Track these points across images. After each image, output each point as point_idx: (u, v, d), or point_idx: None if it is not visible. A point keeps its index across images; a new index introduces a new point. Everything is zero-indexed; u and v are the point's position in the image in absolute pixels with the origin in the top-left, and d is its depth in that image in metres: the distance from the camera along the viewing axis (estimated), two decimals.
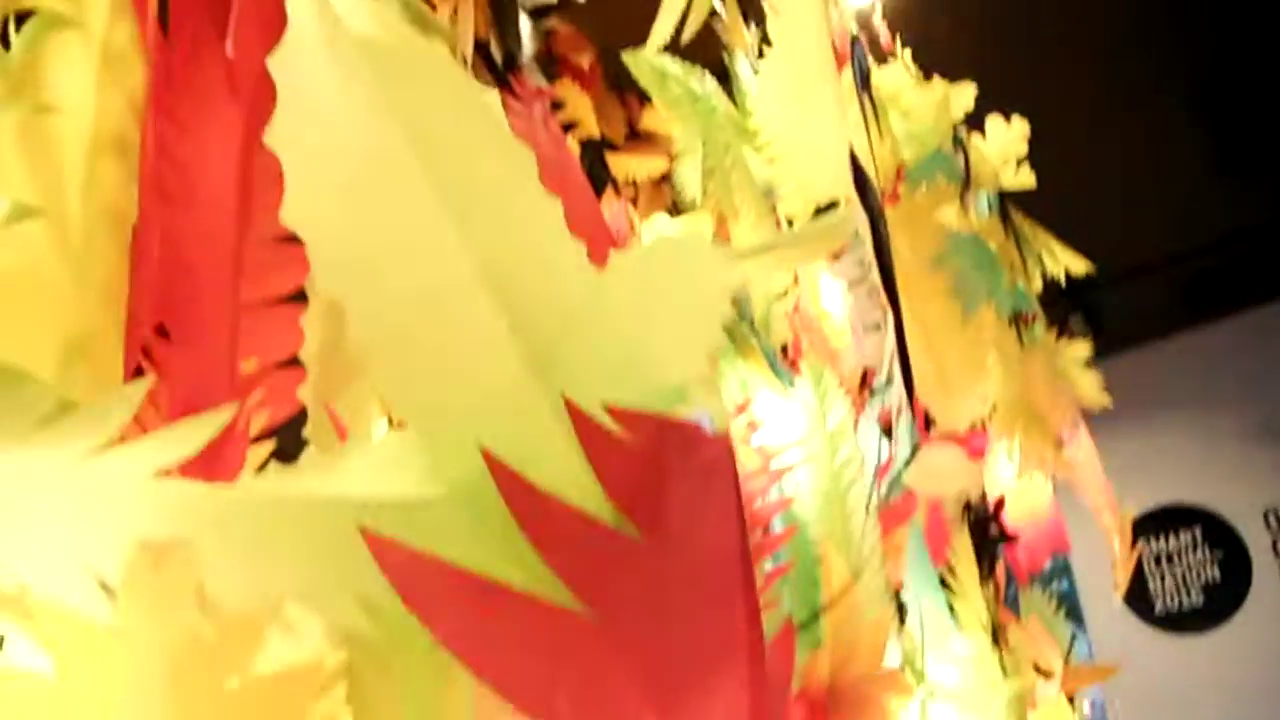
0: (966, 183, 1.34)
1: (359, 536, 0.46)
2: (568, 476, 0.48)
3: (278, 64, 0.47)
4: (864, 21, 1.88)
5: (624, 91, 2.40)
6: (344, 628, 0.50)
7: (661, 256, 0.53)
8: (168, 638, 0.46)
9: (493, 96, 0.49)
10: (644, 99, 2.31)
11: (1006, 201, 1.61)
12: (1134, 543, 1.96)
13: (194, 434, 0.49)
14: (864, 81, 1.14)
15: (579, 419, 0.48)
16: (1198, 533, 4.97)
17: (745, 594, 0.49)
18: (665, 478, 0.49)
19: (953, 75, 1.57)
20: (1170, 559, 5.00)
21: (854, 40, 1.21)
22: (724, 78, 1.95)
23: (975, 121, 1.49)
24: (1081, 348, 1.59)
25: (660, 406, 0.50)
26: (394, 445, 0.49)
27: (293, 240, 0.78)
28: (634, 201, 2.31)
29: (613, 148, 2.31)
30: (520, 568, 0.47)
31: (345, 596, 0.47)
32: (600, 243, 0.93)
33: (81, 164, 0.69)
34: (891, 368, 0.98)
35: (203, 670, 0.47)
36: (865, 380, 1.85)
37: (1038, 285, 1.75)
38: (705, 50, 1.80)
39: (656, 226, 2.05)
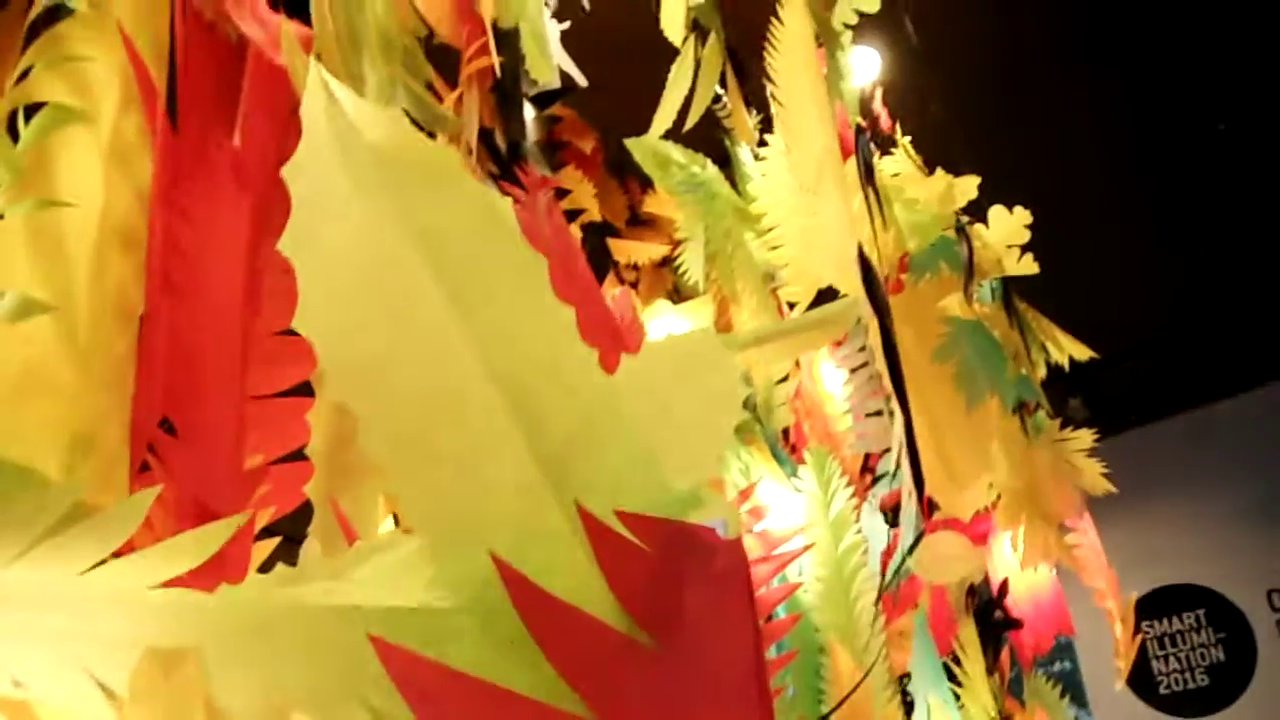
0: (970, 271, 1.34)
1: (368, 644, 0.45)
2: (580, 583, 0.47)
3: (292, 172, 0.47)
4: (863, 106, 1.90)
5: (625, 176, 2.41)
6: None
7: (672, 358, 0.53)
8: None
9: (505, 203, 0.49)
10: (645, 183, 2.32)
11: (1010, 289, 1.62)
12: (1137, 627, 1.95)
13: (203, 543, 0.49)
14: (869, 172, 1.15)
15: (592, 526, 0.47)
16: (1201, 614, 4.94)
17: (761, 702, 0.48)
18: (679, 585, 0.48)
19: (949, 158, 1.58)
20: (1174, 640, 4.96)
21: (859, 131, 1.22)
22: (724, 163, 1.96)
23: (975, 209, 1.50)
24: (1085, 436, 1.59)
25: (674, 512, 0.49)
26: (403, 552, 0.48)
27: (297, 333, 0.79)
28: (635, 285, 2.31)
29: (614, 232, 2.32)
30: (531, 675, 0.46)
31: (353, 705, 0.46)
32: (605, 337, 0.93)
33: (89, 257, 0.69)
34: (900, 457, 0.97)
35: None
36: (866, 466, 1.84)
37: (1041, 373, 1.75)
38: (706, 135, 1.82)
39: (659, 311, 2.06)
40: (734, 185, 1.94)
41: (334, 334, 0.46)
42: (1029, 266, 1.45)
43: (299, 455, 0.76)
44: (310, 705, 0.47)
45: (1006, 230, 1.45)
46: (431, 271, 0.47)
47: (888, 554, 1.68)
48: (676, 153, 1.84)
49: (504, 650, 0.46)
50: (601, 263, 2.09)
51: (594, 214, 2.10)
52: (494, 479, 0.47)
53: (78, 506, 0.48)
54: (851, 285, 0.96)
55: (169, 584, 0.47)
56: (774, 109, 1.07)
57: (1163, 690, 4.94)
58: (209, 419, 0.71)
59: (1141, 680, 4.92)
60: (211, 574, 0.49)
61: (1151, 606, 4.92)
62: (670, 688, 0.47)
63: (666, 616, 0.48)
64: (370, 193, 0.46)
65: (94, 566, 0.46)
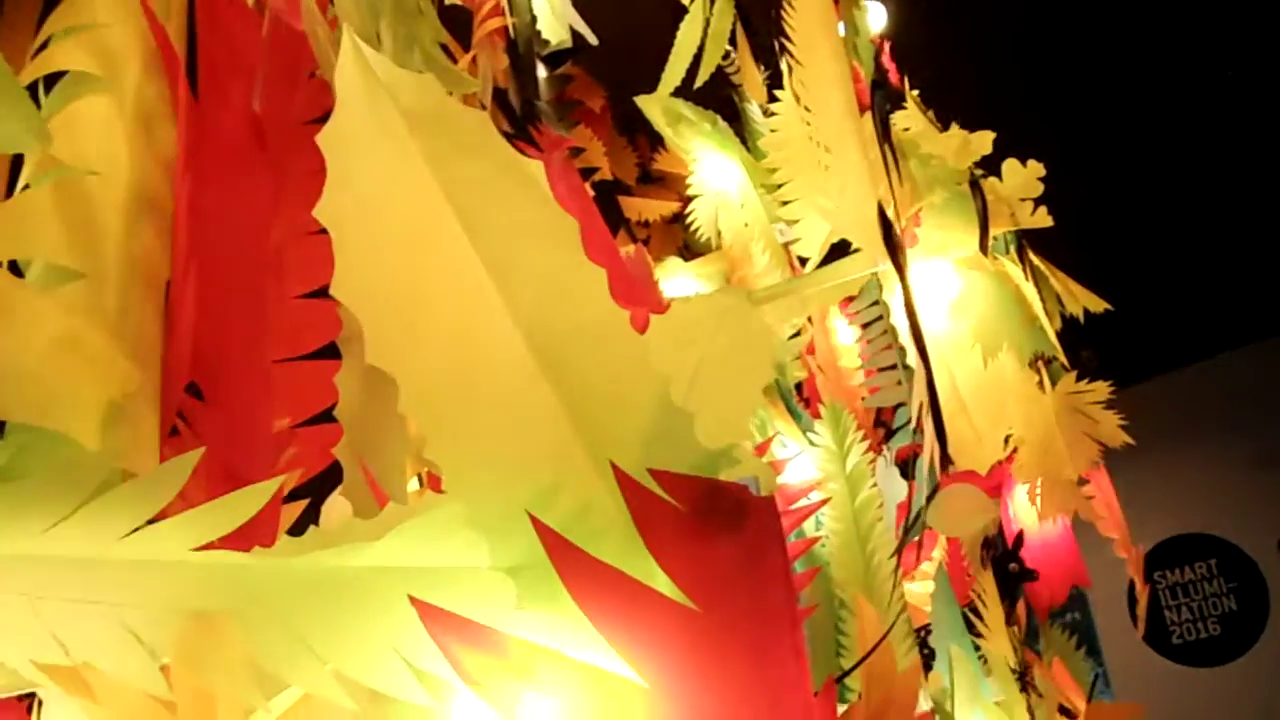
0: (985, 225, 1.34)
1: (408, 605, 0.46)
2: (617, 542, 0.48)
3: (327, 139, 0.47)
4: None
5: (634, 133, 2.41)
6: (391, 699, 0.50)
7: (703, 317, 0.53)
8: (222, 710, 0.47)
9: (537, 165, 0.49)
10: (654, 141, 2.32)
11: (1024, 242, 1.62)
12: (1149, 577, 1.96)
13: (241, 506, 0.49)
14: (885, 128, 1.15)
15: (627, 484, 0.48)
16: (1213, 564, 4.95)
17: (796, 657, 0.49)
18: (714, 542, 0.49)
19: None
20: (1186, 590, 4.97)
21: (874, 86, 1.22)
22: (733, 119, 1.96)
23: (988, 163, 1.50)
24: (1101, 388, 1.59)
25: (707, 469, 0.50)
26: (441, 513, 0.49)
27: (321, 295, 0.79)
28: (646, 242, 2.31)
29: (625, 189, 2.32)
30: (571, 635, 0.47)
31: (394, 665, 0.47)
32: (625, 296, 0.93)
33: (116, 225, 0.69)
34: (922, 411, 0.97)
35: None
36: (879, 421, 1.85)
37: (1056, 325, 1.75)
38: (715, 92, 1.81)
39: (671, 269, 2.06)
40: (744, 142, 1.94)
41: (371, 298, 0.47)
42: (1043, 220, 1.44)
43: (325, 418, 0.77)
44: (352, 666, 0.48)
45: (1020, 183, 1.45)
46: (467, 234, 0.47)
47: (903, 508, 1.69)
48: (687, 109, 1.83)
49: (543, 610, 0.47)
50: (613, 221, 2.09)
51: (605, 172, 2.10)
52: (530, 440, 0.48)
53: (114, 473, 0.49)
54: (872, 242, 0.96)
55: (207, 548, 0.48)
56: (792, 66, 1.06)
57: (1175, 640, 4.95)
58: (236, 383, 0.72)
59: (1154, 630, 4.94)
60: (242, 538, 0.49)
61: (1164, 556, 4.93)
62: (708, 644, 0.47)
63: (702, 573, 0.48)
64: (405, 158, 0.47)
65: (134, 531, 0.46)
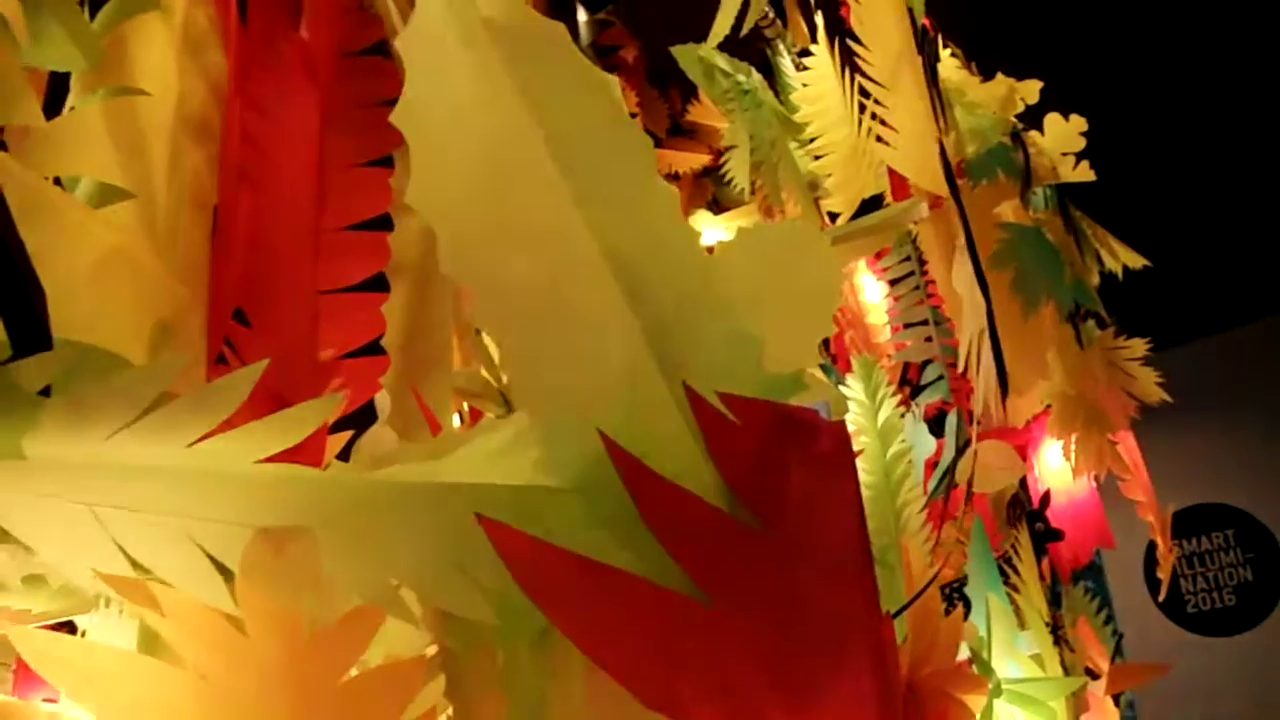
0: (1026, 178, 1.33)
1: (474, 523, 0.45)
2: (687, 464, 0.47)
3: (405, 44, 0.46)
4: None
5: (666, 85, 2.40)
6: (449, 616, 0.50)
7: (769, 244, 0.52)
8: (287, 624, 0.46)
9: (613, 80, 0.48)
10: (686, 93, 2.31)
11: (1065, 197, 1.61)
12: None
13: (299, 422, 0.49)
14: (933, 73, 1.14)
15: (700, 406, 0.47)
16: (1230, 534, 4.94)
17: (865, 580, 0.48)
18: (784, 466, 0.48)
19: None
20: (1203, 560, 4.97)
21: (924, 32, 1.20)
22: (766, 72, 1.95)
23: (1030, 117, 1.49)
24: (1138, 345, 1.58)
25: (777, 394, 0.49)
26: (507, 431, 0.48)
27: (368, 227, 0.79)
28: None
29: (656, 141, 2.31)
30: (639, 555, 0.46)
31: (461, 584, 0.46)
32: None
33: (166, 147, 0.68)
34: (979, 347, 0.97)
35: (321, 658, 0.47)
36: (905, 378, 1.84)
37: (1095, 281, 1.74)
38: (748, 45, 1.80)
39: (701, 222, 2.05)
40: (776, 95, 1.93)
41: (447, 208, 0.46)
42: (1085, 174, 1.43)
43: (372, 349, 0.76)
44: (419, 583, 0.47)
45: (1062, 137, 1.44)
46: (545, 145, 0.46)
47: (931, 464, 1.68)
48: (722, 61, 1.82)
49: (613, 530, 0.46)
50: None
51: (638, 123, 2.09)
52: (604, 357, 0.47)
53: (164, 394, 0.48)
54: (932, 180, 0.95)
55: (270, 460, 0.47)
56: (851, 7, 1.05)
57: (1190, 609, 4.96)
58: (283, 311, 0.71)
59: (1169, 599, 4.94)
60: (292, 460, 0.48)
61: (1181, 526, 4.92)
62: (776, 567, 0.47)
63: (772, 497, 0.47)
64: (485, 66, 0.46)
65: (198, 440, 0.46)
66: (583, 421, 0.46)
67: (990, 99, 1.35)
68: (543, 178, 0.46)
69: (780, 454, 0.48)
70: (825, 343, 1.80)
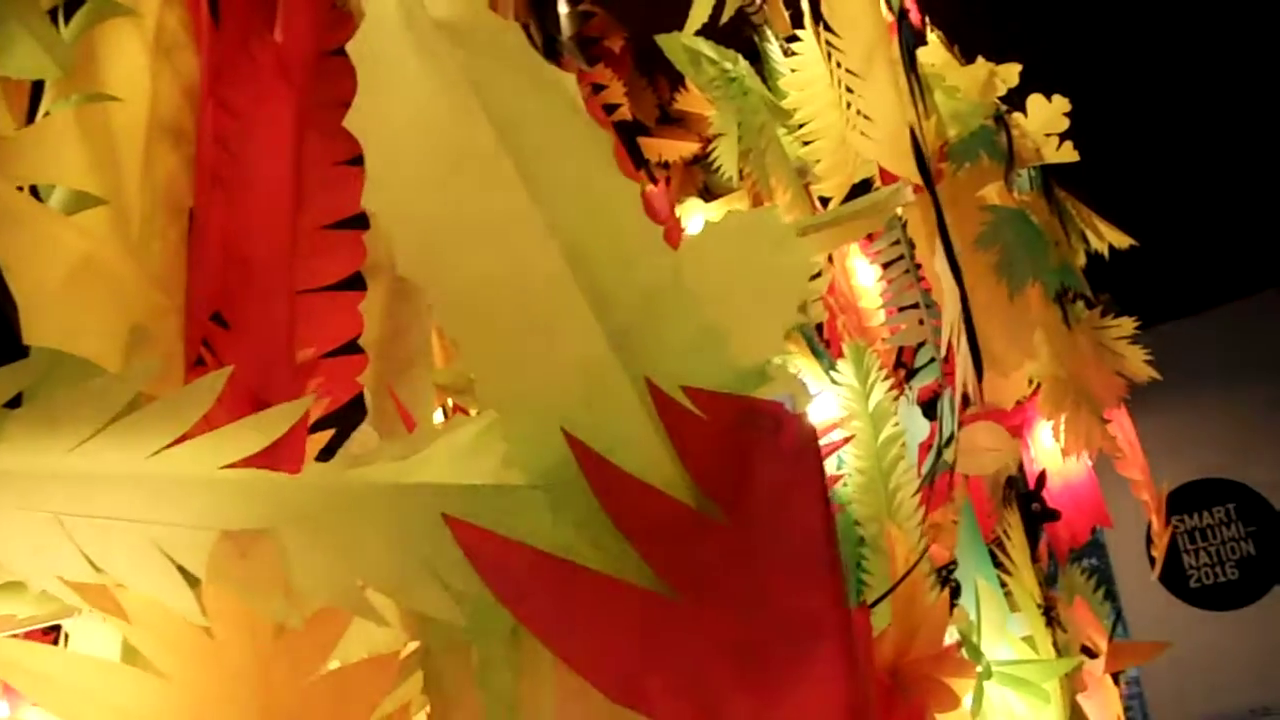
0: (1010, 159, 1.33)
1: (442, 523, 0.45)
2: (651, 460, 0.47)
3: (357, 48, 0.46)
4: None
5: (653, 74, 2.40)
6: (425, 615, 0.50)
7: (736, 236, 0.53)
8: (254, 627, 0.46)
9: (569, 78, 0.48)
10: (673, 82, 2.31)
11: (1049, 177, 1.61)
12: (1167, 521, 1.95)
13: (270, 425, 0.49)
14: (911, 59, 1.14)
15: (662, 400, 0.47)
16: (1231, 508, 4.95)
17: (832, 573, 0.48)
18: (749, 459, 0.48)
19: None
20: (1204, 534, 4.98)
21: (901, 16, 1.20)
22: (753, 59, 1.95)
23: (1012, 98, 1.49)
24: (1126, 324, 1.59)
25: (741, 387, 0.49)
26: (473, 430, 0.48)
27: (345, 226, 0.79)
28: (666, 183, 2.31)
29: (644, 130, 2.31)
30: (604, 552, 0.47)
31: (429, 584, 0.47)
32: None
33: (139, 152, 0.69)
34: (955, 335, 0.97)
35: (288, 659, 0.47)
36: (899, 361, 1.84)
37: (1081, 261, 1.74)
38: (733, 32, 1.80)
39: (691, 209, 2.05)
40: (764, 81, 1.93)
41: (403, 209, 0.46)
42: (1069, 154, 1.43)
43: (350, 349, 0.76)
44: (387, 583, 0.47)
45: (1045, 118, 1.44)
46: (501, 145, 0.46)
47: (925, 448, 1.68)
48: (708, 48, 1.82)
49: (578, 528, 0.47)
50: (633, 162, 2.08)
51: (625, 112, 2.09)
52: (565, 355, 0.47)
53: (139, 397, 0.48)
54: (906, 169, 0.96)
55: (234, 467, 0.47)
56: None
57: (1193, 584, 4.96)
58: (260, 312, 0.72)
59: (1172, 574, 4.95)
60: (269, 462, 0.49)
61: (1182, 500, 4.93)
62: (742, 560, 0.47)
63: (737, 490, 0.48)
64: (438, 67, 0.46)
65: (162, 450, 0.46)
66: (546, 420, 0.46)
67: (971, 83, 1.35)
68: (498, 176, 0.46)
69: (745, 448, 0.48)
70: (819, 328, 1.80)
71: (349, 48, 0.46)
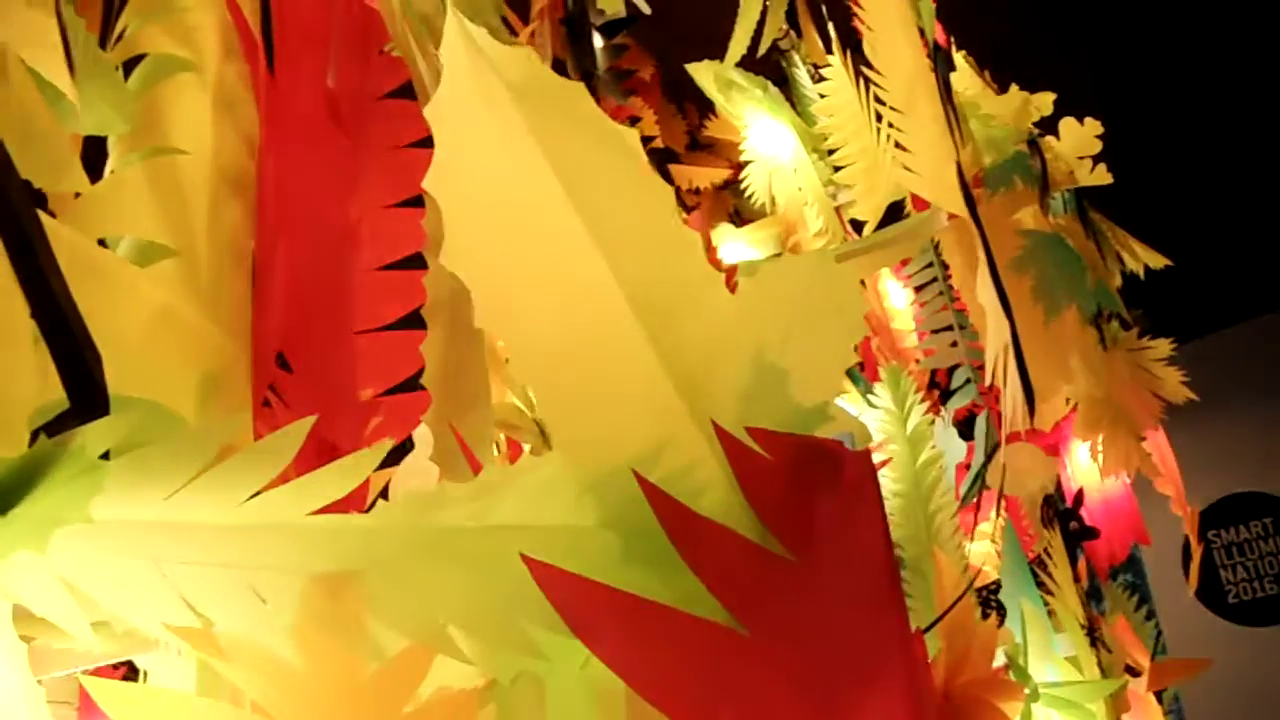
0: (1044, 184, 1.34)
1: (519, 563, 0.47)
2: (719, 499, 0.49)
3: (434, 111, 0.48)
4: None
5: (682, 101, 2.42)
6: (500, 651, 0.52)
7: (792, 277, 0.54)
8: (344, 666, 0.48)
9: (633, 134, 0.50)
10: (703, 109, 2.33)
11: (1084, 200, 1.62)
12: (1203, 536, 1.95)
13: (351, 472, 0.51)
14: (947, 88, 1.15)
15: (728, 443, 0.49)
16: (1269, 522, 4.92)
17: (897, 606, 0.50)
18: (813, 497, 0.50)
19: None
20: (1242, 549, 4.95)
21: (936, 48, 1.22)
22: (781, 85, 1.97)
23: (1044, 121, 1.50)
24: (1163, 345, 1.60)
25: (803, 427, 0.51)
26: (546, 471, 0.50)
27: (401, 266, 0.81)
28: (696, 209, 2.33)
29: (675, 157, 2.33)
30: (676, 589, 0.48)
31: (508, 622, 0.49)
32: None
33: (205, 202, 0.71)
34: (1005, 363, 0.98)
35: (377, 696, 0.49)
36: (933, 382, 1.86)
37: (1117, 283, 1.75)
38: (763, 58, 1.82)
39: (724, 235, 2.07)
40: (793, 107, 1.95)
41: (481, 264, 0.48)
42: (1102, 177, 1.45)
43: (410, 386, 0.78)
44: (470, 626, 0.49)
45: (1078, 141, 1.45)
46: (571, 201, 0.48)
47: (962, 469, 1.69)
48: (738, 76, 1.84)
49: (649, 565, 0.48)
50: None
51: (658, 141, 2.11)
52: (634, 401, 0.49)
53: (227, 448, 0.50)
54: (952, 202, 0.97)
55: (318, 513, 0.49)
56: (861, 28, 1.07)
57: (1231, 599, 4.94)
58: (323, 354, 0.74)
59: (1210, 590, 4.92)
60: (338, 504, 0.51)
61: (1219, 515, 4.91)
62: (809, 595, 0.49)
63: (802, 528, 0.49)
64: (510, 129, 0.48)
65: (252, 496, 0.48)
66: (617, 462, 0.48)
67: (1005, 111, 1.37)
68: (567, 230, 0.48)
69: (809, 485, 0.50)
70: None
71: (426, 112, 0.48)
